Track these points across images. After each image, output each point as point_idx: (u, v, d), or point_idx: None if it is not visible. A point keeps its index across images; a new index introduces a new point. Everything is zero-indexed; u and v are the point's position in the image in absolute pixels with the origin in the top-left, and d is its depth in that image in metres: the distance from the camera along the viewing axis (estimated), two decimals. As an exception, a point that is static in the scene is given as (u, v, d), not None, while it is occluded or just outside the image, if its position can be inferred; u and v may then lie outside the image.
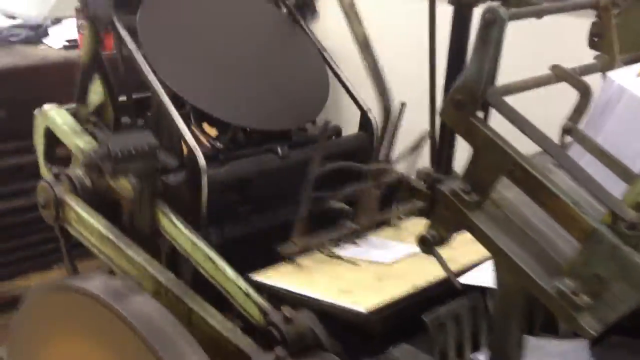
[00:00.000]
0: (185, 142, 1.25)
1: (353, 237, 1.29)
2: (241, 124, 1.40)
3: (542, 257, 0.82)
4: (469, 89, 0.82)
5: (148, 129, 1.29)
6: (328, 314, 1.10)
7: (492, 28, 0.79)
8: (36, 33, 3.00)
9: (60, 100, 2.70)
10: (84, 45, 1.46)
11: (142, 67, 1.31)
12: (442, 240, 0.89)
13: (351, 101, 1.53)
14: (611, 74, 0.89)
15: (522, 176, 0.81)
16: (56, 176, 1.49)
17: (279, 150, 1.36)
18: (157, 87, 1.29)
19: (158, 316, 1.08)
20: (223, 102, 1.39)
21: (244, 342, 1.10)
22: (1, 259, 2.75)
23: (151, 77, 1.30)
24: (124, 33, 1.35)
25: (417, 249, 0.90)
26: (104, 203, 1.39)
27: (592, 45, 1.07)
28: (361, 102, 1.50)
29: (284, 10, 1.59)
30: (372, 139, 1.47)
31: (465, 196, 0.84)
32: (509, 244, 0.83)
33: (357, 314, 1.09)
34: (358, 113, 1.51)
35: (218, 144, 1.36)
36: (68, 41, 2.91)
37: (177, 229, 1.18)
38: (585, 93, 0.91)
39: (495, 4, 0.83)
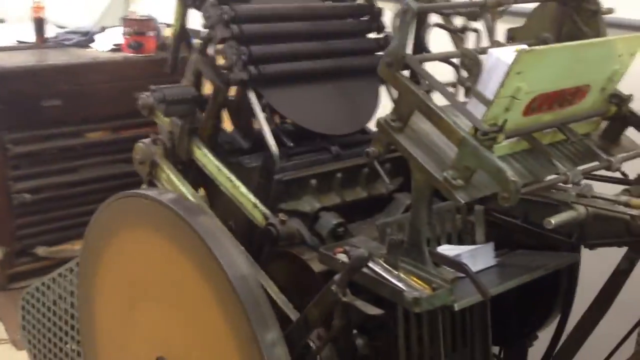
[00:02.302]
0: (266, 139, 1.58)
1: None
2: (312, 128, 1.73)
3: (438, 160, 1.28)
4: (394, 54, 1.30)
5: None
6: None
7: (407, 14, 1.27)
8: (86, 38, 3.53)
9: (106, 92, 3.22)
10: (174, 20, 1.82)
11: None
12: (379, 155, 1.36)
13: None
14: (492, 49, 1.36)
15: (425, 109, 1.28)
16: (153, 141, 1.82)
17: (332, 149, 1.72)
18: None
19: (214, 225, 1.51)
20: (298, 108, 1.72)
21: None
22: (51, 226, 3.26)
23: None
24: None
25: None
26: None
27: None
28: None
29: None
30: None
31: (392, 124, 1.32)
32: (419, 153, 1.30)
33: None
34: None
35: (290, 144, 1.69)
36: (114, 45, 3.43)
37: (206, 157, 1.66)
38: (477, 63, 1.37)
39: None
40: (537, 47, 1.21)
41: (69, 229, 3.23)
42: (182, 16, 1.81)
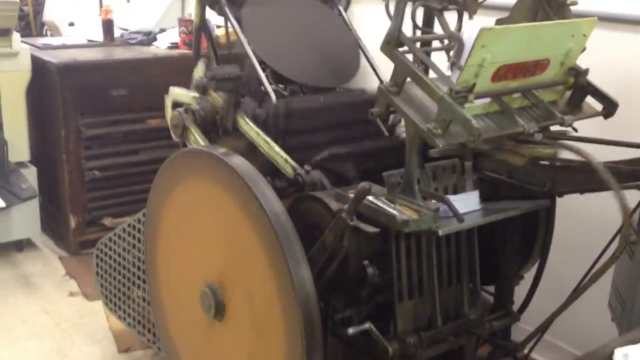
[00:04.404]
0: (265, 87, 2.09)
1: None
2: (300, 81, 2.26)
3: (424, 115, 1.67)
4: (391, 35, 1.69)
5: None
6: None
7: (400, 3, 1.66)
8: (148, 38, 3.99)
9: (165, 83, 3.68)
10: (195, 15, 2.30)
11: (241, 38, 2.17)
12: (381, 115, 1.75)
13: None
14: (466, 27, 1.73)
15: (414, 76, 1.67)
16: (185, 110, 2.28)
17: (322, 98, 2.23)
18: (250, 53, 2.14)
19: (249, 167, 1.89)
20: (290, 66, 2.24)
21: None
22: (116, 200, 3.72)
23: (246, 46, 2.15)
24: (230, 16, 2.20)
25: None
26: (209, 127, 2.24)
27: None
28: (379, 73, 2.35)
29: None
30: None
31: (390, 89, 1.71)
32: (410, 111, 1.68)
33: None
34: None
35: (285, 92, 2.21)
36: (172, 43, 3.89)
37: (247, 125, 2.08)
38: (460, 42, 1.74)
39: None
40: (496, 27, 1.59)
41: (131, 204, 3.66)
42: (201, 12, 2.26)
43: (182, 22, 3.78)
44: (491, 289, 2.21)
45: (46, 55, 3.55)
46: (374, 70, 2.38)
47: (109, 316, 2.91)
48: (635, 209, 1.94)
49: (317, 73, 2.30)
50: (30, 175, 3.53)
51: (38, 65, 3.49)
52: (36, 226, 3.62)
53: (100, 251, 2.70)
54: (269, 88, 2.11)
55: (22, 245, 3.70)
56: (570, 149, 1.67)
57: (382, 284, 1.90)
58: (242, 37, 2.16)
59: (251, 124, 2.08)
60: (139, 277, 2.55)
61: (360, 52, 2.43)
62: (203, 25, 2.30)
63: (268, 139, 2.04)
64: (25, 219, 3.56)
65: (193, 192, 2.06)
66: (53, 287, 3.36)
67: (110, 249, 2.64)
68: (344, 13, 2.45)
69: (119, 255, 2.59)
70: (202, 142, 2.19)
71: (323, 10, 2.50)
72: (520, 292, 2.19)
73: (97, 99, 3.51)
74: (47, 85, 3.50)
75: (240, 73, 2.05)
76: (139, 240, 2.48)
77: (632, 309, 1.82)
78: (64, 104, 3.45)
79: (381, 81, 2.29)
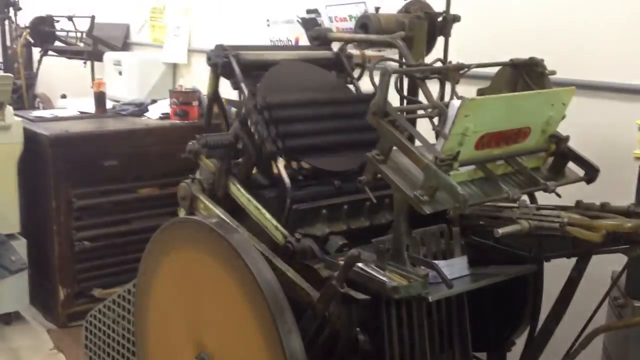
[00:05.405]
0: (281, 176, 2.00)
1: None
2: (321, 166, 2.14)
3: (411, 183, 1.70)
4: (377, 106, 1.74)
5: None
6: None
7: (385, 76, 1.72)
8: (139, 109, 4.06)
9: (156, 153, 3.72)
10: (209, 84, 2.28)
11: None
12: (369, 183, 1.78)
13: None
14: (452, 101, 1.79)
15: (402, 146, 1.71)
16: (192, 180, 2.25)
17: (335, 182, 2.14)
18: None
19: (240, 236, 1.91)
20: (309, 150, 2.14)
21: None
22: (107, 270, 3.71)
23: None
24: (245, 90, 2.14)
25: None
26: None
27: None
28: None
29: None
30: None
31: (377, 157, 1.75)
32: (397, 179, 1.72)
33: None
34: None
35: (300, 177, 2.13)
36: (163, 114, 3.96)
37: (239, 192, 2.11)
38: (443, 112, 1.80)
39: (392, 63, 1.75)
40: (478, 97, 1.65)
41: (121, 274, 3.64)
42: (214, 83, 2.29)
43: (174, 93, 3.86)
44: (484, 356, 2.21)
45: (38, 128, 3.60)
46: None
47: (97, 390, 2.86)
48: (621, 272, 1.97)
49: (334, 157, 2.20)
50: (20, 247, 3.51)
51: (30, 138, 3.54)
52: (25, 299, 3.60)
53: (89, 323, 2.68)
54: (284, 173, 2.06)
55: (11, 319, 3.66)
56: None
57: (373, 351, 1.90)
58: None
59: (242, 190, 2.11)
60: (128, 350, 2.52)
61: None
62: (216, 96, 2.32)
63: (259, 206, 2.06)
64: (13, 292, 3.53)
65: (184, 261, 2.07)
66: (41, 362, 3.31)
67: (99, 320, 2.62)
68: (356, 83, 2.47)
69: (109, 327, 2.57)
70: (211, 207, 2.16)
71: (338, 84, 2.45)
72: (513, 358, 2.19)
73: (89, 170, 3.55)
74: (39, 157, 3.53)
75: (232, 140, 2.09)
76: (129, 312, 2.47)
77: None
78: (55, 175, 3.48)
79: None
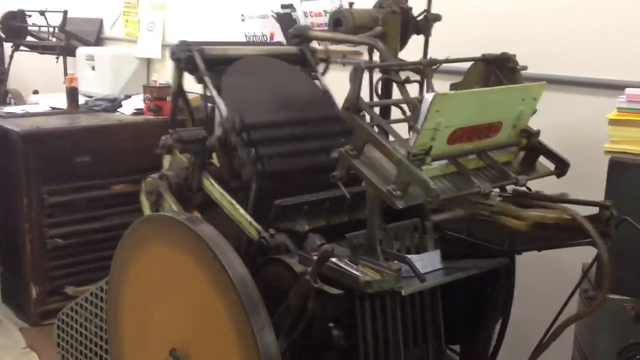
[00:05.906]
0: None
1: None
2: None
3: (384, 177, 1.70)
4: (350, 101, 1.74)
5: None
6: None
7: (357, 71, 1.72)
8: (112, 104, 4.03)
9: (129, 149, 3.69)
10: (173, 80, 2.30)
11: (221, 107, 2.12)
12: (342, 178, 1.78)
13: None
14: (426, 95, 1.79)
15: (374, 141, 1.71)
16: (160, 176, 2.26)
17: None
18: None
19: (213, 232, 1.89)
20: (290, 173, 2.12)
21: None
22: (80, 268, 3.67)
23: (224, 114, 2.08)
24: (209, 82, 2.17)
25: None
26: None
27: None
28: None
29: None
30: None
31: (350, 152, 1.75)
32: (370, 173, 1.72)
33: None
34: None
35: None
36: (136, 109, 3.93)
37: (212, 186, 2.10)
38: (416, 107, 1.80)
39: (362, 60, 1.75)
40: (449, 92, 1.65)
41: (94, 271, 3.61)
42: (178, 78, 2.27)
43: (148, 89, 3.82)
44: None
45: (9, 124, 3.54)
46: None
47: (70, 388, 2.83)
48: (591, 265, 1.99)
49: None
50: (-9, 245, 3.47)
51: (1, 134, 3.49)
52: (-4, 297, 3.55)
53: (61, 322, 2.65)
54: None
55: (-19, 317, 3.61)
56: (572, 214, 1.75)
57: (347, 346, 1.90)
58: (221, 105, 2.14)
59: (216, 185, 2.10)
60: (101, 347, 2.50)
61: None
62: (181, 91, 2.32)
63: (233, 201, 2.06)
64: (-16, 290, 3.49)
65: (157, 258, 2.06)
66: (13, 360, 3.27)
67: (72, 319, 2.59)
68: (321, 78, 2.48)
69: (81, 325, 2.55)
70: (176, 209, 2.17)
71: (301, 76, 2.48)
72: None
73: (61, 167, 3.50)
74: (9, 154, 3.48)
75: (205, 134, 2.07)
76: (102, 309, 2.44)
77: (594, 363, 1.84)
78: (26, 172, 3.43)
79: None
